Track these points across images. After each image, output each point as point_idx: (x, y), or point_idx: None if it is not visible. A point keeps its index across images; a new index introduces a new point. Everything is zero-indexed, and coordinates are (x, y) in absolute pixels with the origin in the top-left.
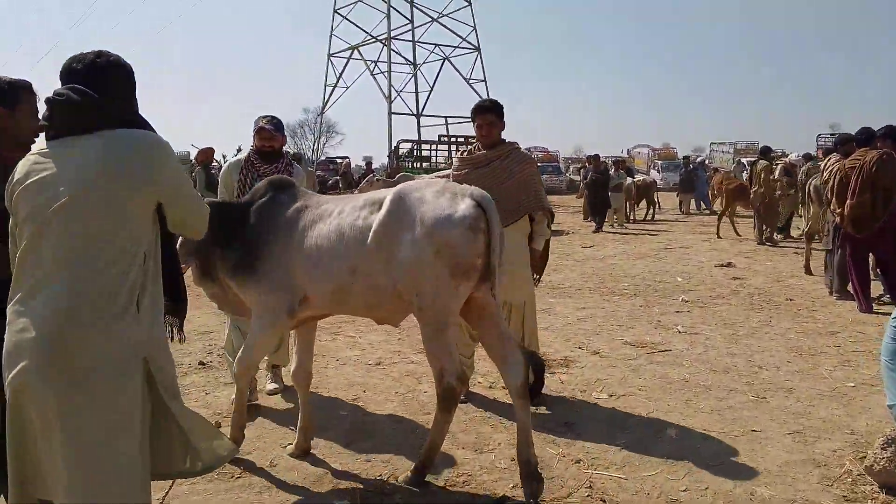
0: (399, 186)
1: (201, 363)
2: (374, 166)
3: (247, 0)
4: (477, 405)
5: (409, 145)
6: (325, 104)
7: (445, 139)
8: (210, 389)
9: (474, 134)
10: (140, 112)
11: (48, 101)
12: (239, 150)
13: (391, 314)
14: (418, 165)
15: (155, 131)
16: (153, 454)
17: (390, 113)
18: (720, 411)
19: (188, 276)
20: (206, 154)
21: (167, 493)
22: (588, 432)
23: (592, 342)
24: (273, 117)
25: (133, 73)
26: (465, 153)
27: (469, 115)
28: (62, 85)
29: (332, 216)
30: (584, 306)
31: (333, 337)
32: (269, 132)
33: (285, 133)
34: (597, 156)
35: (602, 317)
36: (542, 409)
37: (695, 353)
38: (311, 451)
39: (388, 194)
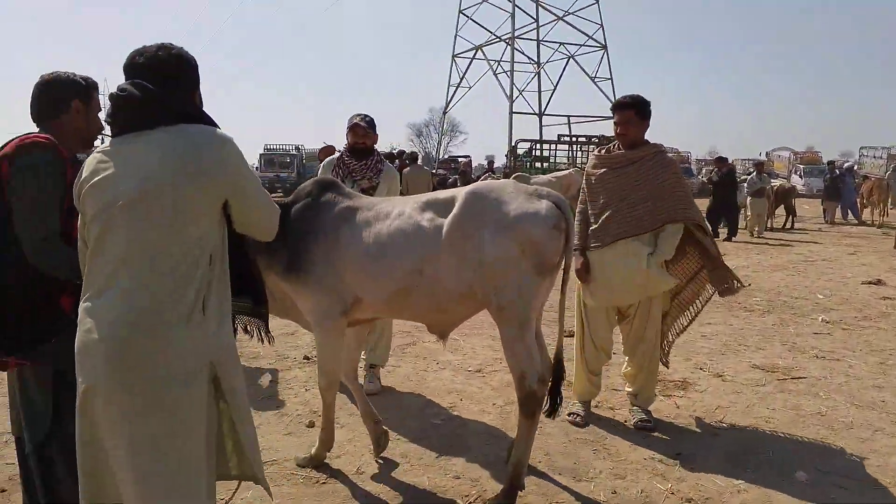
0: (469, 188)
1: (306, 357)
2: (495, 165)
3: (375, 3)
4: (581, 427)
5: (527, 145)
6: (447, 104)
7: (566, 139)
8: (310, 386)
9: (598, 135)
10: (205, 108)
11: (111, 96)
12: (397, 151)
13: (449, 319)
14: (538, 165)
15: (218, 126)
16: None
17: (511, 112)
18: (863, 455)
19: None
20: (327, 152)
21: (232, 495)
22: (702, 466)
23: (716, 363)
24: (366, 115)
25: (197, 66)
26: (604, 151)
27: (592, 115)
28: (125, 80)
29: (391, 217)
30: (708, 321)
31: (437, 338)
32: (363, 129)
33: (377, 132)
34: (722, 158)
35: (728, 335)
36: (657, 434)
37: (834, 382)
38: (403, 458)
39: (455, 195)
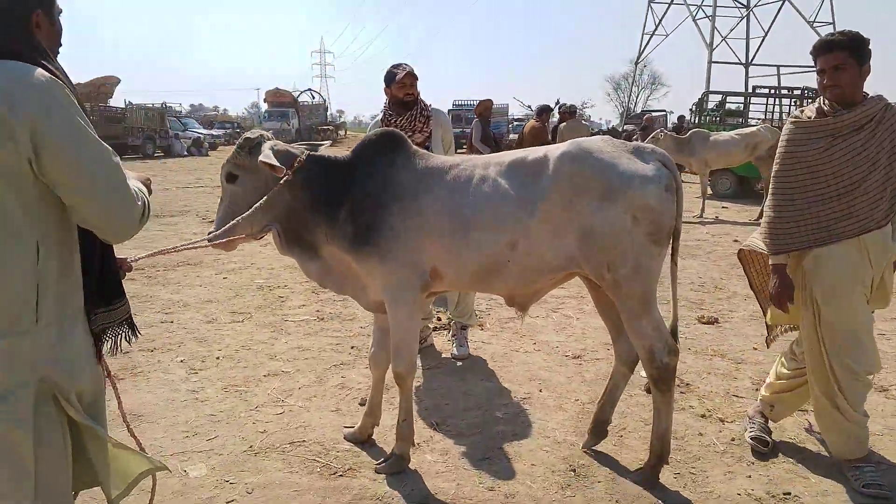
0: (563, 147)
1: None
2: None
3: None
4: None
5: (718, 98)
6: (640, 53)
7: (766, 91)
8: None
9: (802, 86)
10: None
11: None
12: (557, 103)
13: (536, 293)
14: (733, 121)
15: (54, 71)
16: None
17: (710, 62)
18: None
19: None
20: (485, 106)
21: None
22: None
23: (886, 374)
24: (407, 65)
25: None
26: (807, 115)
27: (808, 65)
28: None
29: (474, 182)
30: (894, 316)
31: (548, 314)
32: (413, 79)
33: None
34: None
35: None
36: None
37: None
38: (441, 456)
39: (547, 155)
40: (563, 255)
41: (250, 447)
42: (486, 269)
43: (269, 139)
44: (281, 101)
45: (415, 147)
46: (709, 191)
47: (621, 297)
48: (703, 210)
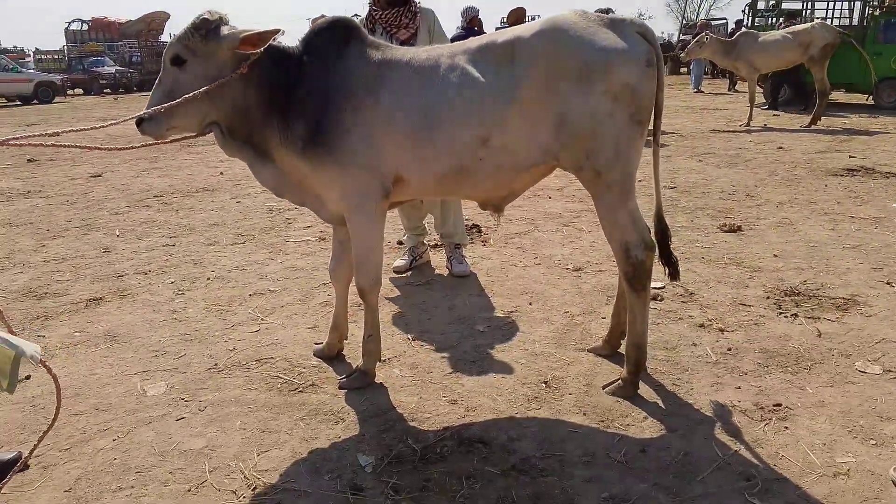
0: (538, 23)
1: (399, 242)
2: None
3: None
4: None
5: None
6: None
7: None
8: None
9: None
10: None
11: None
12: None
13: (510, 194)
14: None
15: None
16: None
17: None
18: None
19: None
20: (517, 15)
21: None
22: (806, 427)
23: None
24: None
25: None
26: None
27: None
28: None
29: (440, 72)
30: None
31: (558, 228)
32: None
33: None
34: None
35: None
36: (757, 370)
37: None
38: (410, 370)
39: (518, 35)
40: (539, 148)
41: (215, 365)
42: (456, 170)
43: (227, 23)
44: None
45: (371, 38)
46: (758, 98)
47: (600, 188)
48: (750, 118)
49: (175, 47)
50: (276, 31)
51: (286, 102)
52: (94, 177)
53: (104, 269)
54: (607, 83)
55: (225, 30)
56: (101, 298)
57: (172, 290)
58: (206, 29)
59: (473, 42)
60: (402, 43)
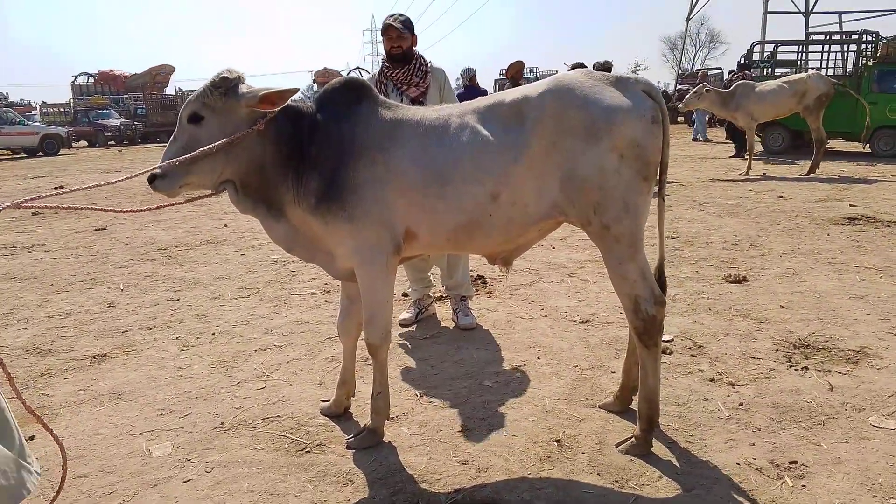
0: (545, 83)
1: (404, 294)
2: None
3: None
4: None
5: (770, 48)
6: (692, 9)
7: (821, 38)
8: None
9: (862, 29)
10: None
11: None
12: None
13: (520, 248)
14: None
15: None
16: None
17: (766, 12)
18: None
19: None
20: (516, 68)
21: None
22: (824, 486)
23: None
24: (400, 15)
25: None
26: None
27: (873, 10)
28: None
29: (451, 131)
30: None
31: (563, 279)
32: (397, 31)
33: (416, 33)
34: None
35: None
36: (770, 427)
37: None
38: (420, 428)
39: (526, 95)
40: (547, 203)
41: (221, 424)
42: (466, 225)
43: (244, 81)
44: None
45: (382, 97)
46: (758, 147)
47: (608, 242)
48: (749, 167)
49: (193, 105)
50: (295, 90)
51: (300, 159)
52: (99, 230)
53: (108, 324)
54: (613, 140)
55: (243, 88)
56: (105, 355)
57: (177, 346)
58: (226, 87)
59: (482, 101)
60: (413, 101)
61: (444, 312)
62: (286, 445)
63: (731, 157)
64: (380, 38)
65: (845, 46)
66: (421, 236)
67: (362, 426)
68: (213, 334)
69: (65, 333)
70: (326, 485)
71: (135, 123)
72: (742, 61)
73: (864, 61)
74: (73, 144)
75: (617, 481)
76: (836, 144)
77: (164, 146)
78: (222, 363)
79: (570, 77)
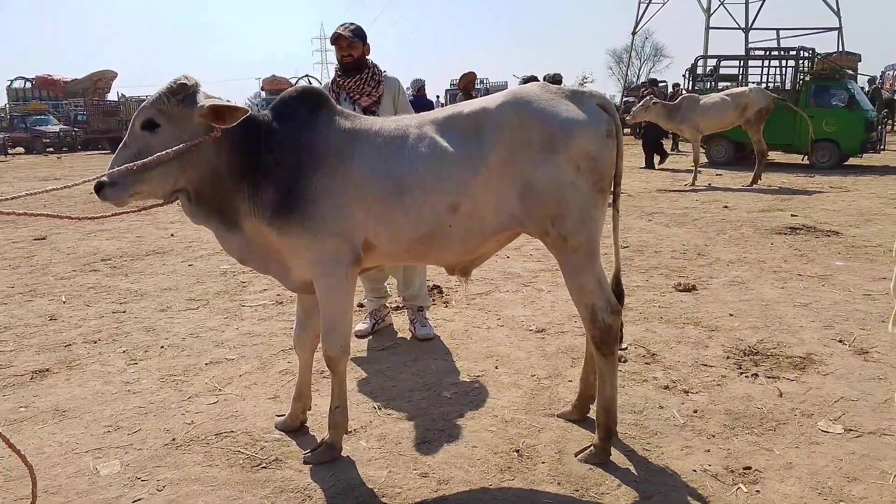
0: (502, 95)
1: (360, 305)
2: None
3: None
4: None
5: (713, 62)
6: (637, 23)
7: (761, 53)
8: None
9: (798, 47)
10: None
11: None
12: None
13: (479, 258)
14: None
15: None
16: None
17: (708, 28)
18: None
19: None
20: (468, 79)
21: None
22: (777, 490)
23: (867, 336)
24: (351, 24)
25: None
26: None
27: (809, 28)
28: None
29: (409, 142)
30: (884, 276)
31: (518, 288)
32: (347, 41)
33: (368, 41)
34: None
35: None
36: (724, 433)
37: None
38: (378, 441)
39: (485, 107)
40: (506, 214)
41: (173, 440)
42: (426, 236)
43: (200, 89)
44: (278, 88)
45: (340, 107)
46: (702, 158)
47: (566, 252)
48: (694, 179)
49: (148, 111)
50: (245, 111)
51: (256, 169)
52: (38, 239)
53: (50, 338)
54: (570, 153)
55: (201, 97)
56: (47, 370)
57: (124, 360)
58: (184, 94)
59: (441, 112)
60: (365, 110)
61: (400, 323)
62: (241, 461)
63: (641, 168)
64: (329, 46)
65: (784, 62)
66: (380, 247)
67: (319, 440)
68: (162, 347)
69: (3, 348)
70: (284, 501)
71: (75, 130)
72: (650, 77)
73: (801, 76)
74: (9, 151)
75: (577, 490)
76: (776, 156)
77: (107, 153)
78: (172, 377)
79: (527, 90)
